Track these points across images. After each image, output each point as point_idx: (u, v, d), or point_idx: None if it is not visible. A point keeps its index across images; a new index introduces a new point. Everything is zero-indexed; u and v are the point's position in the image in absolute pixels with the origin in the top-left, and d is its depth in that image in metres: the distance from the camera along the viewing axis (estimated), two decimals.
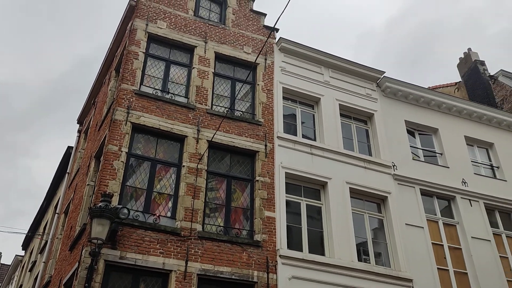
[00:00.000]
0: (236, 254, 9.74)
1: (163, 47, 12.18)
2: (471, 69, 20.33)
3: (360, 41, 69.36)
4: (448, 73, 64.66)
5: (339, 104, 13.32)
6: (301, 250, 10.56)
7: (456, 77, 21.35)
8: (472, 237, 12.43)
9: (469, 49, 20.93)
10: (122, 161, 9.79)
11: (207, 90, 11.73)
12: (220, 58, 12.63)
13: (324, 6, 69.74)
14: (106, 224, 8.29)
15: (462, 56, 21.20)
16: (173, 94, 11.46)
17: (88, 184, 11.24)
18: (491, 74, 19.59)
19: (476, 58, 20.41)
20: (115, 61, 13.11)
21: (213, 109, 11.62)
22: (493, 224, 13.16)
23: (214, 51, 12.50)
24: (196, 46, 12.31)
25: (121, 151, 9.89)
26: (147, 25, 11.95)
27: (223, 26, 13.20)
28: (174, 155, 10.67)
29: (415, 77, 63.16)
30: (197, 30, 12.65)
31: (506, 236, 13.11)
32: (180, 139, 10.80)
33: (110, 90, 12.48)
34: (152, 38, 12.03)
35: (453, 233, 12.60)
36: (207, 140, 10.79)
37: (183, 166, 10.36)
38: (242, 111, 12.11)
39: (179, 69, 12.04)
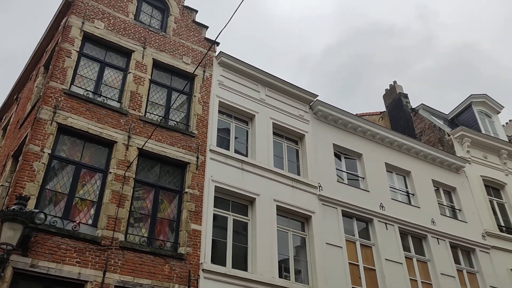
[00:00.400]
0: (158, 267, 9.52)
1: (98, 48, 11.78)
2: (395, 101, 21.80)
3: (300, 65, 71.86)
4: (375, 102, 68.74)
5: (273, 122, 13.66)
6: (224, 264, 10.56)
7: (382, 107, 22.75)
8: (386, 259, 13.17)
9: (395, 82, 22.45)
10: (43, 163, 9.24)
11: (142, 97, 11.49)
12: (158, 65, 12.46)
13: (269, 27, 71.47)
14: (19, 229, 7.74)
15: (388, 88, 22.68)
16: (106, 97, 11.08)
17: (2, 185, 10.45)
18: (413, 107, 21.12)
19: (400, 91, 21.92)
20: (44, 57, 12.44)
21: (146, 116, 11.38)
22: (406, 248, 14.05)
23: (153, 58, 12.31)
24: (134, 51, 12.05)
25: (43, 152, 9.34)
26: (83, 23, 11.51)
27: (164, 33, 13.07)
28: (101, 160, 10.27)
29: (346, 103, 66.43)
30: (136, 35, 12.41)
31: (417, 260, 14.04)
32: (109, 144, 10.43)
33: (36, 87, 11.79)
34: (88, 38, 11.60)
35: (368, 254, 13.28)
36: (138, 148, 10.53)
37: (110, 172, 10.00)
38: (176, 121, 11.98)
39: (114, 72, 11.69)
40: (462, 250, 15.21)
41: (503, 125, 21.52)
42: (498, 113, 20.57)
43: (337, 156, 14.80)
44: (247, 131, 13.34)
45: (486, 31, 66.20)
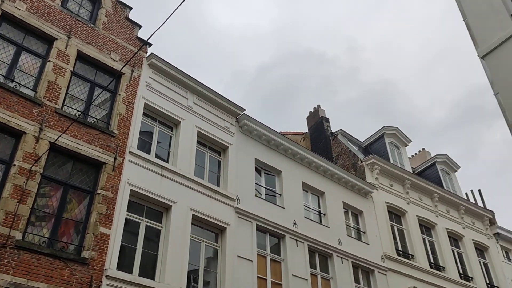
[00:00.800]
0: (57, 270, 8.91)
1: (17, 30, 10.94)
2: (317, 124, 22.78)
3: (233, 79, 72.55)
4: (299, 123, 71.31)
5: (198, 131, 13.57)
6: (131, 272, 10.16)
7: (305, 128, 23.62)
8: (293, 274, 13.54)
9: (319, 106, 23.48)
10: None
11: (61, 88, 10.83)
12: (82, 58, 11.85)
13: (207, 40, 71.33)
14: None
15: (312, 110, 23.63)
16: (19, 84, 10.28)
17: None
18: (333, 131, 22.19)
19: (323, 115, 22.95)
20: None
21: (63, 109, 10.73)
22: (312, 265, 14.58)
23: (77, 49, 11.69)
24: (56, 39, 11.36)
25: None
26: (2, 1, 10.64)
27: (93, 26, 12.49)
28: (6, 151, 9.46)
29: (272, 120, 68.16)
30: (62, 22, 11.72)
31: (321, 278, 14.61)
32: (17, 134, 9.65)
33: None
34: (6, 18, 10.73)
35: (277, 270, 13.58)
36: (50, 142, 9.86)
37: (14, 165, 9.23)
38: (96, 118, 11.43)
39: (31, 58, 10.91)
40: (363, 271, 16.11)
41: (409, 157, 23.39)
42: (406, 146, 22.30)
43: (257, 171, 15.04)
44: (170, 137, 13.10)
45: (404, 71, 72.01)
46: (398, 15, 73.99)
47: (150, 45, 13.57)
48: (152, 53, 13.29)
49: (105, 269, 9.61)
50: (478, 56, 8.02)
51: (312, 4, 76.73)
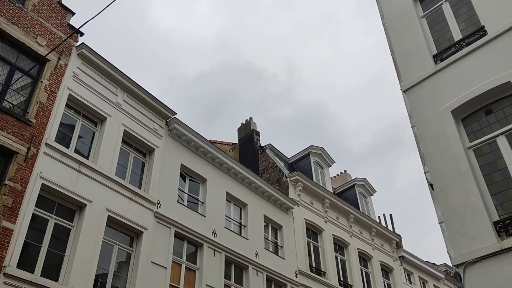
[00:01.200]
0: None
1: None
2: (248, 136, 23.00)
3: (170, 84, 71.24)
4: (231, 134, 71.48)
5: (125, 130, 13.10)
6: (33, 271, 9.47)
7: (235, 139, 23.71)
8: (206, 284, 13.42)
9: (251, 118, 23.74)
10: None
11: None
12: (5, 38, 11.00)
13: (147, 43, 69.44)
14: None
15: (244, 122, 23.84)
16: None
17: None
18: (262, 145, 22.52)
19: (254, 128, 23.23)
20: None
21: None
22: (227, 275, 14.57)
23: (0, 28, 10.83)
24: None
25: None
26: None
27: (21, 6, 11.67)
28: None
29: (204, 128, 67.82)
30: None
31: None
32: None
33: None
34: None
35: (191, 278, 13.38)
36: None
37: None
38: (12, 104, 10.62)
39: None
40: (276, 284, 16.37)
41: (331, 178, 24.35)
42: (329, 166, 23.21)
43: (182, 176, 14.81)
44: (94, 133, 12.51)
45: (337, 95, 75.33)
46: (336, 42, 77.67)
47: (82, 34, 12.93)
48: (83, 43, 12.68)
49: (4, 266, 8.87)
50: (401, 89, 8.58)
51: (258, 20, 78.22)
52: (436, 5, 8.73)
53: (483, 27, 7.60)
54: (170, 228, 13.13)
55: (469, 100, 7.18)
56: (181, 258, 13.32)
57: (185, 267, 13.30)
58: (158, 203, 13.02)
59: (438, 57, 8.13)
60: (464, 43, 7.83)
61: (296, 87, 76.43)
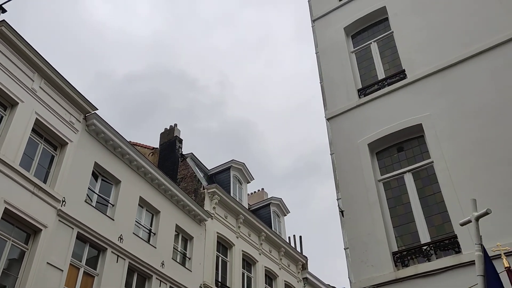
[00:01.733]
0: None
1: None
2: (170, 142, 22.53)
3: (97, 80, 67.88)
4: (154, 139, 69.64)
5: (37, 118, 12.17)
6: None
7: (157, 144, 23.10)
8: None
9: (175, 125, 23.32)
10: None
11: None
12: None
13: (78, 34, 65.78)
14: None
15: (168, 128, 23.36)
16: None
17: None
18: (183, 153, 22.16)
19: (178, 135, 22.84)
20: None
21: None
22: (128, 284, 13.92)
23: None
24: None
25: None
26: None
27: None
28: None
29: (126, 130, 65.36)
30: None
31: None
32: None
33: None
34: None
35: (88, 284, 12.60)
36: None
37: None
38: None
39: None
40: None
41: (248, 194, 24.58)
42: (248, 183, 23.44)
43: (94, 175, 14.04)
44: (2, 117, 11.47)
45: (266, 115, 76.87)
46: (272, 64, 79.65)
47: (4, 11, 11.89)
48: (4, 20, 11.67)
49: None
50: (325, 117, 8.96)
51: (198, 31, 77.85)
52: (366, 44, 9.32)
53: (404, 70, 8.23)
54: (73, 228, 12.32)
55: (385, 136, 7.69)
56: (81, 261, 12.52)
57: (84, 271, 12.51)
58: (63, 201, 12.18)
59: (362, 92, 8.63)
60: (386, 83, 8.41)
61: (227, 102, 76.96)
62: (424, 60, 8.00)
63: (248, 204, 23.98)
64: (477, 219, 4.59)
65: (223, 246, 19.44)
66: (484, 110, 6.86)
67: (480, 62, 7.33)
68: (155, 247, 15.36)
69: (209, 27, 78.84)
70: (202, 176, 21.15)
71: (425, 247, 6.53)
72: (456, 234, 6.26)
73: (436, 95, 7.48)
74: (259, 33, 79.40)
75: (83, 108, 13.80)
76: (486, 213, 4.56)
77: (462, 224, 4.84)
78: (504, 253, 4.77)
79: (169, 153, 22.11)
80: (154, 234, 15.77)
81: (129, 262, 13.95)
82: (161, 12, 76.86)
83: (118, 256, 13.59)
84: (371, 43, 9.23)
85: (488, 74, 7.14)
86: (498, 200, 6.02)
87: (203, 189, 19.46)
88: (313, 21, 10.56)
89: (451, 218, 6.41)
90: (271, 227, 23.23)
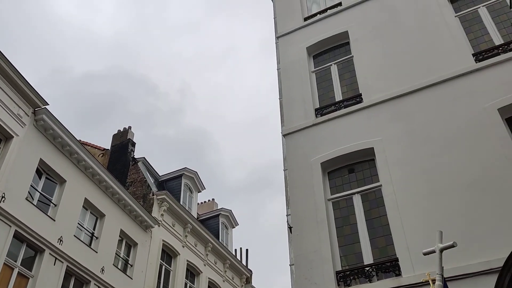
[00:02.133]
0: None
1: None
2: (122, 144, 21.91)
3: (53, 75, 65.13)
4: (106, 141, 67.53)
5: None
6: None
7: (109, 145, 22.39)
8: None
9: (129, 127, 22.75)
10: None
11: None
12: None
13: (37, 29, 63.10)
14: None
15: (122, 130, 22.74)
16: None
17: None
18: (135, 157, 21.62)
19: (131, 138, 22.27)
20: None
21: None
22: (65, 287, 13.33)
23: None
24: None
25: None
26: None
27: None
28: None
29: (78, 129, 62.93)
30: None
31: None
32: None
33: None
34: None
35: (22, 285, 11.91)
36: None
37: None
38: None
39: None
40: None
41: (198, 203, 24.30)
42: (199, 192, 23.17)
43: (38, 173, 13.39)
44: None
45: (223, 127, 76.71)
46: (234, 76, 79.89)
47: None
48: None
49: None
50: (281, 133, 9.06)
51: (162, 36, 76.89)
52: (326, 65, 9.57)
53: (361, 94, 8.50)
54: (10, 226, 11.65)
55: (337, 156, 7.87)
56: (16, 261, 11.83)
57: (18, 272, 11.82)
58: (2, 197, 11.52)
59: (319, 111, 8.82)
60: (343, 105, 8.65)
61: (186, 110, 76.21)
62: (380, 86, 8.31)
63: (197, 213, 23.69)
64: (442, 250, 4.69)
65: (168, 254, 19.02)
66: (432, 139, 7.20)
67: (431, 94, 7.71)
68: (96, 252, 14.78)
69: (175, 33, 78.25)
70: (152, 181, 20.71)
71: (367, 268, 6.69)
72: (397, 257, 6.47)
73: (389, 121, 7.78)
74: (224, 45, 79.60)
75: (33, 101, 13.19)
76: (452, 246, 4.66)
77: (426, 254, 4.95)
78: (433, 281, 4.76)
79: (121, 156, 21.50)
80: (97, 238, 15.19)
81: (67, 265, 13.33)
82: (125, 13, 75.41)
83: (56, 258, 12.96)
84: (331, 64, 9.48)
85: (438, 106, 7.52)
86: (440, 228, 6.29)
87: (153, 195, 19.03)
88: (277, 37, 10.73)
89: (394, 241, 6.62)
90: (218, 238, 23.03)
